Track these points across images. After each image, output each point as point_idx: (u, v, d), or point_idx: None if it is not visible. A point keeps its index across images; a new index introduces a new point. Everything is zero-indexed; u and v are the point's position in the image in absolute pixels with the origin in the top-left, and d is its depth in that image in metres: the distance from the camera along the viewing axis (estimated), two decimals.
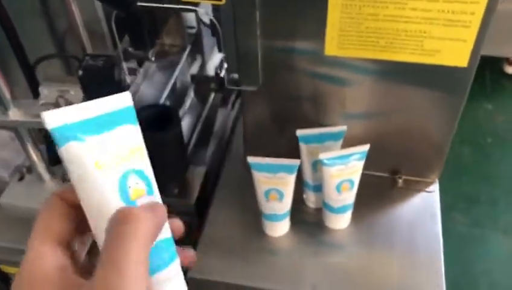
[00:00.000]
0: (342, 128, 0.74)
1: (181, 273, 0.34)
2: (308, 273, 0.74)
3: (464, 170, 1.84)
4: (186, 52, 1.15)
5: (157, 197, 0.34)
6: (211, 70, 1.18)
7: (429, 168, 0.85)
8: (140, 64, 1.04)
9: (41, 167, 0.85)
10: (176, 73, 1.11)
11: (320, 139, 0.74)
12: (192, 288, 0.78)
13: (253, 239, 0.79)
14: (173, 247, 0.34)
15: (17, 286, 0.30)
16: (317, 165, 0.76)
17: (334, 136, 0.74)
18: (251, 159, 0.68)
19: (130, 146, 0.33)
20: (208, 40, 1.19)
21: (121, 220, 0.29)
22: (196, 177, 0.88)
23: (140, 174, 0.33)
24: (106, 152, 0.31)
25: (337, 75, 0.75)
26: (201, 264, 0.75)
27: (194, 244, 0.80)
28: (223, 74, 1.15)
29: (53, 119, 0.30)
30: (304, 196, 0.83)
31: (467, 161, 1.89)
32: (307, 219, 0.82)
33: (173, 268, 0.34)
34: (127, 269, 0.28)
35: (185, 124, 1.08)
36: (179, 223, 0.36)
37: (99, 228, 0.31)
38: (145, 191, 0.33)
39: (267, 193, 0.70)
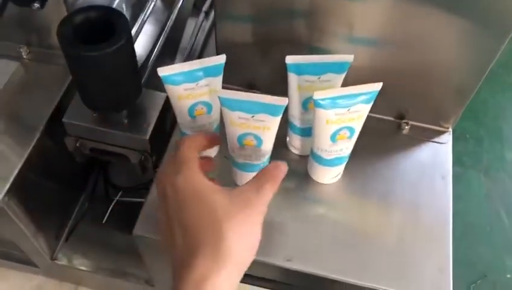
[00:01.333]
0: (348, 57, 0.55)
1: None
2: (285, 238, 0.60)
3: None
4: None
5: (214, 114, 0.59)
6: None
7: (444, 115, 0.68)
8: None
9: None
10: None
11: (318, 69, 0.55)
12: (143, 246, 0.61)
13: None
14: None
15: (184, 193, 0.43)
16: (308, 103, 0.58)
17: (336, 67, 0.55)
18: (222, 94, 0.50)
19: (208, 88, 0.56)
20: None
21: (274, 171, 0.48)
22: (153, 104, 0.70)
23: (206, 104, 0.57)
24: (186, 92, 0.55)
25: None
26: (152, 223, 0.60)
27: (147, 190, 0.64)
28: None
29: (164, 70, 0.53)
30: (287, 139, 0.66)
31: None
32: (289, 169, 0.65)
33: None
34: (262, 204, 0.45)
35: (144, 34, 0.87)
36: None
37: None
38: (205, 112, 0.57)
39: (240, 138, 0.53)
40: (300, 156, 0.66)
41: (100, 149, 0.71)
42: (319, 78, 0.56)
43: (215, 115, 0.59)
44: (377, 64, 0.63)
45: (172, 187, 0.43)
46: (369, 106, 0.55)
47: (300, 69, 0.56)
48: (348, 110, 0.53)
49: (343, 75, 0.57)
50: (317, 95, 0.52)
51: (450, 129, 0.70)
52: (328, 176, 0.63)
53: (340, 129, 0.55)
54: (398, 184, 0.65)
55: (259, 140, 0.53)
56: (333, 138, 0.56)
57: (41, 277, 0.91)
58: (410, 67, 0.63)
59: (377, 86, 0.53)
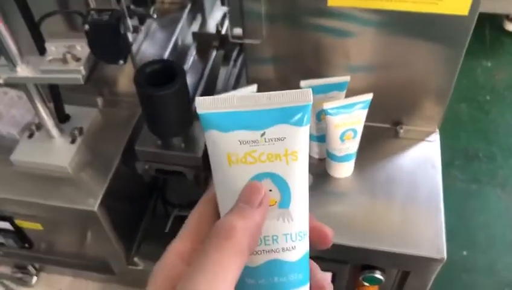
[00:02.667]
0: (346, 78, 0.75)
1: None
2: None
3: (462, 127, 1.86)
4: (187, 10, 1.15)
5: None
6: (211, 28, 1.18)
7: (430, 119, 0.87)
8: (141, 22, 1.04)
9: (50, 124, 0.87)
10: (177, 31, 1.12)
11: (325, 89, 0.75)
12: None
13: None
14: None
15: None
16: (321, 115, 0.78)
17: (338, 87, 0.75)
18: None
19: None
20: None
21: (220, 234, 0.28)
22: (201, 132, 0.90)
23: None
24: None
25: (340, 27, 0.76)
26: None
27: None
28: (224, 30, 1.15)
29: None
30: None
31: (465, 117, 1.90)
32: (311, 170, 0.84)
33: None
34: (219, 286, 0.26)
35: (188, 82, 1.09)
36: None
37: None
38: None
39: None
40: (319, 159, 0.85)
41: (164, 169, 0.91)
42: (327, 95, 0.76)
43: None
44: (371, 83, 0.82)
45: None
46: (365, 111, 0.74)
47: (312, 90, 0.76)
48: (350, 115, 0.73)
49: (344, 92, 0.76)
50: (326, 106, 0.72)
51: (437, 129, 0.88)
52: (342, 170, 0.81)
53: (346, 131, 0.74)
54: (398, 173, 0.83)
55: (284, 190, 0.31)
56: (341, 138, 0.75)
57: (115, 285, 1.09)
58: (397, 83, 0.82)
59: (369, 96, 0.73)
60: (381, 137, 0.88)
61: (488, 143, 1.84)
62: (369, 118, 0.76)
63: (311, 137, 0.83)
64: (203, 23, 1.21)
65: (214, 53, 1.12)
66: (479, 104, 1.96)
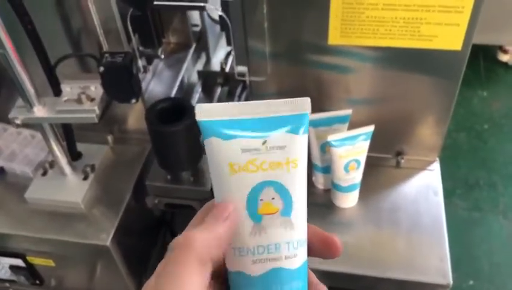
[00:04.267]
0: (348, 111, 0.79)
1: None
2: None
3: (461, 156, 1.88)
4: (192, 49, 1.20)
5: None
6: (216, 66, 1.23)
7: (429, 148, 0.90)
8: (149, 62, 1.09)
9: (63, 161, 0.90)
10: (183, 69, 1.16)
11: (328, 122, 0.79)
12: None
13: None
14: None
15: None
16: (325, 147, 0.81)
17: (341, 119, 0.79)
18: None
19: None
20: (212, 36, 1.25)
21: (180, 246, 0.28)
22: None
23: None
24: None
25: (340, 63, 0.80)
26: None
27: None
28: (228, 68, 1.20)
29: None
30: (313, 178, 0.88)
31: (464, 147, 1.93)
32: (317, 200, 0.87)
33: None
34: None
35: None
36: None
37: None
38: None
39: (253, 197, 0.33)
40: (325, 190, 0.88)
41: (173, 203, 0.93)
42: (330, 127, 0.79)
43: None
44: (372, 115, 0.86)
45: None
46: (367, 142, 0.77)
47: (316, 123, 0.79)
48: (353, 146, 0.76)
49: (347, 124, 0.80)
50: (331, 138, 0.75)
51: (437, 158, 0.91)
52: (347, 200, 0.84)
53: (350, 161, 0.77)
54: (402, 202, 0.85)
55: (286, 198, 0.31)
56: (346, 169, 0.78)
57: None
58: (396, 115, 0.85)
59: (371, 128, 0.76)
60: (383, 167, 0.91)
61: (488, 171, 1.86)
62: (371, 148, 0.79)
63: (315, 168, 0.86)
64: (208, 61, 1.26)
65: (219, 90, 1.16)
66: (477, 133, 1.99)
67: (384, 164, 0.91)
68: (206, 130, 0.28)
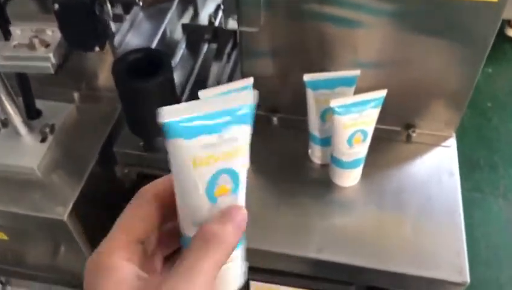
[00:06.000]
0: (355, 72, 0.65)
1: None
2: (315, 235, 0.67)
3: (463, 135, 1.80)
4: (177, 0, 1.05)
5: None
6: (204, 20, 1.08)
7: (446, 122, 0.77)
8: (126, 10, 0.95)
9: (17, 120, 0.76)
10: (166, 21, 1.02)
11: (331, 84, 0.65)
12: None
13: None
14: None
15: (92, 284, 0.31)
16: (326, 115, 0.68)
17: (346, 81, 0.66)
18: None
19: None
20: None
21: (203, 238, 0.30)
22: None
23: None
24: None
25: (348, 16, 0.66)
26: None
27: None
28: (217, 22, 1.06)
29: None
30: (309, 150, 0.76)
31: (467, 125, 1.84)
32: (312, 176, 0.74)
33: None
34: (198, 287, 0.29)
35: (176, 77, 0.99)
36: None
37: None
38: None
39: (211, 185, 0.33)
40: (322, 165, 0.75)
41: (146, 174, 0.80)
42: (333, 91, 0.66)
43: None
44: (381, 81, 0.72)
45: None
46: (377, 110, 0.64)
47: (316, 85, 0.66)
48: (360, 114, 0.63)
49: (353, 88, 0.67)
50: (334, 103, 0.62)
51: (453, 134, 0.78)
52: (348, 178, 0.71)
53: (355, 132, 0.64)
54: (411, 182, 0.73)
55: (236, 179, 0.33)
56: (350, 141, 0.65)
57: None
58: (411, 82, 0.72)
59: (383, 93, 0.63)
60: (391, 141, 0.78)
61: (490, 151, 1.79)
62: (378, 119, 0.67)
63: (313, 139, 0.73)
64: (195, 15, 1.11)
65: (206, 47, 1.02)
66: (481, 111, 1.90)
67: (393, 137, 0.79)
68: (170, 131, 0.30)
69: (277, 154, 0.77)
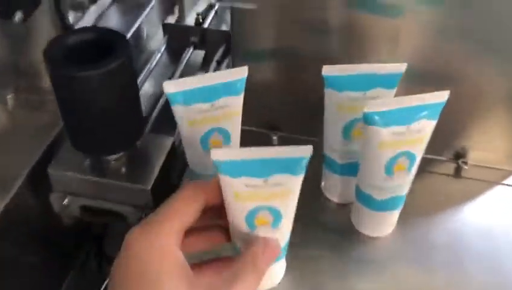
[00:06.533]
0: (401, 66, 0.44)
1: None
2: None
3: None
4: None
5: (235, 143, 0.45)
6: (190, 20, 0.88)
7: (508, 153, 0.56)
8: None
9: None
10: (141, 18, 0.82)
11: (363, 83, 0.44)
12: None
13: None
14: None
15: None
16: (352, 129, 0.46)
17: (386, 81, 0.44)
18: (215, 156, 0.34)
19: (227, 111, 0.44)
20: None
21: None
22: (158, 149, 0.58)
23: (223, 132, 0.44)
24: (198, 113, 0.43)
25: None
26: None
27: None
28: (207, 24, 0.86)
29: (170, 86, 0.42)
30: (323, 183, 0.54)
31: None
32: (327, 221, 0.52)
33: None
34: None
35: (150, 87, 0.78)
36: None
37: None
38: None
39: (251, 216, 0.35)
40: (341, 205, 0.53)
41: (92, 207, 0.58)
42: (365, 94, 0.45)
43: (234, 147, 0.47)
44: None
45: (120, 259, 0.31)
46: (433, 123, 0.43)
47: (341, 84, 0.45)
48: (408, 128, 0.41)
49: (394, 91, 0.45)
50: (370, 108, 0.40)
51: None
52: (381, 225, 0.49)
53: (398, 156, 0.43)
54: (468, 234, 0.51)
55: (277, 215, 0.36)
56: (389, 168, 0.43)
57: None
58: (464, 95, 0.51)
59: (444, 95, 0.41)
60: (435, 175, 0.57)
61: None
62: None
63: (330, 166, 0.51)
64: (181, 15, 0.92)
65: (190, 52, 0.82)
66: None
67: (437, 170, 0.57)
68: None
69: None
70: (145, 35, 0.83)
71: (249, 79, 0.57)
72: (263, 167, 0.34)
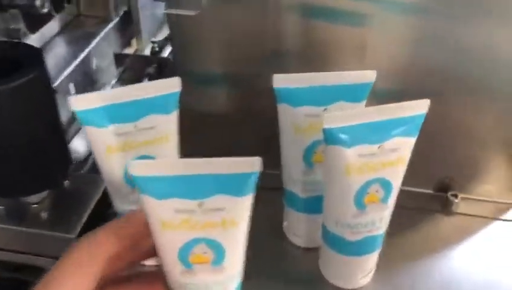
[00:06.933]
0: (370, 74, 0.36)
1: None
2: None
3: None
4: (111, 25, 0.79)
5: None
6: (146, 49, 0.81)
7: (505, 182, 0.48)
8: (33, 27, 0.68)
9: None
10: (90, 47, 0.74)
11: (324, 95, 0.36)
12: None
13: None
14: None
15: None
16: (313, 153, 0.38)
17: (353, 92, 0.36)
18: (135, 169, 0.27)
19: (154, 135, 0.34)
20: (147, 16, 0.84)
21: None
22: (88, 189, 0.48)
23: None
24: (121, 137, 0.34)
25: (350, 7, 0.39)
26: None
27: None
28: (167, 53, 0.78)
29: (78, 103, 0.33)
30: (285, 223, 0.44)
31: None
32: (290, 271, 0.42)
33: None
34: None
35: None
36: None
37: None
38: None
39: (185, 252, 0.28)
40: (307, 249, 0.44)
41: (3, 262, 0.47)
42: (326, 109, 0.36)
43: None
44: None
45: None
46: (412, 141, 0.34)
47: (296, 98, 0.36)
48: (379, 147, 0.33)
49: (363, 104, 0.37)
50: (329, 122, 0.32)
51: None
52: (356, 274, 0.39)
53: (369, 183, 0.34)
54: (463, 281, 0.41)
55: (219, 251, 0.29)
56: (359, 200, 0.34)
57: None
58: (449, 124, 0.44)
59: (424, 105, 0.33)
60: (421, 211, 0.48)
61: None
62: None
63: (291, 202, 0.42)
64: (141, 50, 0.84)
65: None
66: None
67: (423, 205, 0.48)
68: (139, 185, 0.28)
69: None
70: (94, 66, 0.75)
71: (197, 107, 0.49)
72: (197, 185, 0.27)
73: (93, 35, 0.77)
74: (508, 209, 0.48)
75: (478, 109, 0.44)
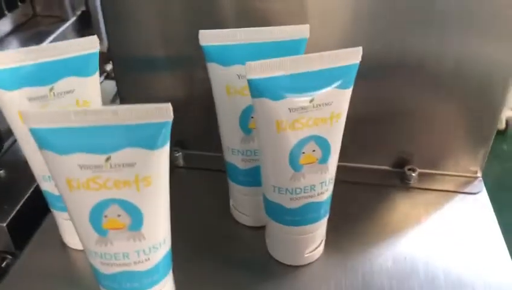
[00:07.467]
0: (303, 29, 0.34)
1: None
2: None
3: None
4: (67, 24, 0.77)
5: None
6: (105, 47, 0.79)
7: (465, 154, 0.45)
8: None
9: None
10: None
11: (256, 51, 0.33)
12: None
13: None
14: None
15: None
16: (249, 118, 0.35)
17: (287, 47, 0.34)
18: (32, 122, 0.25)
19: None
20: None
21: None
22: (22, 175, 0.46)
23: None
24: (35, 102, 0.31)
25: None
26: None
27: None
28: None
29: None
30: (231, 201, 0.42)
31: None
32: (235, 252, 0.39)
33: None
34: None
35: None
36: None
37: None
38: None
39: (96, 214, 0.26)
40: (253, 227, 0.41)
41: None
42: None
43: None
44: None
45: None
46: (348, 92, 0.32)
47: (227, 55, 0.34)
48: (311, 100, 0.30)
49: None
50: (252, 72, 0.29)
51: (479, 174, 0.46)
52: (300, 247, 0.36)
53: (304, 142, 0.31)
54: (421, 262, 0.38)
55: (135, 214, 0.27)
56: (294, 160, 0.32)
57: None
58: (403, 83, 0.42)
59: (357, 53, 0.31)
60: (378, 187, 0.45)
61: None
62: (353, 153, 0.35)
63: (234, 173, 0.39)
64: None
65: (101, 81, 0.71)
66: None
67: (380, 181, 0.46)
68: (39, 140, 0.26)
69: (185, 215, 0.42)
70: None
71: (140, 92, 0.47)
72: (103, 137, 0.24)
73: (47, 34, 0.75)
74: (466, 182, 0.45)
75: (431, 84, 0.42)
